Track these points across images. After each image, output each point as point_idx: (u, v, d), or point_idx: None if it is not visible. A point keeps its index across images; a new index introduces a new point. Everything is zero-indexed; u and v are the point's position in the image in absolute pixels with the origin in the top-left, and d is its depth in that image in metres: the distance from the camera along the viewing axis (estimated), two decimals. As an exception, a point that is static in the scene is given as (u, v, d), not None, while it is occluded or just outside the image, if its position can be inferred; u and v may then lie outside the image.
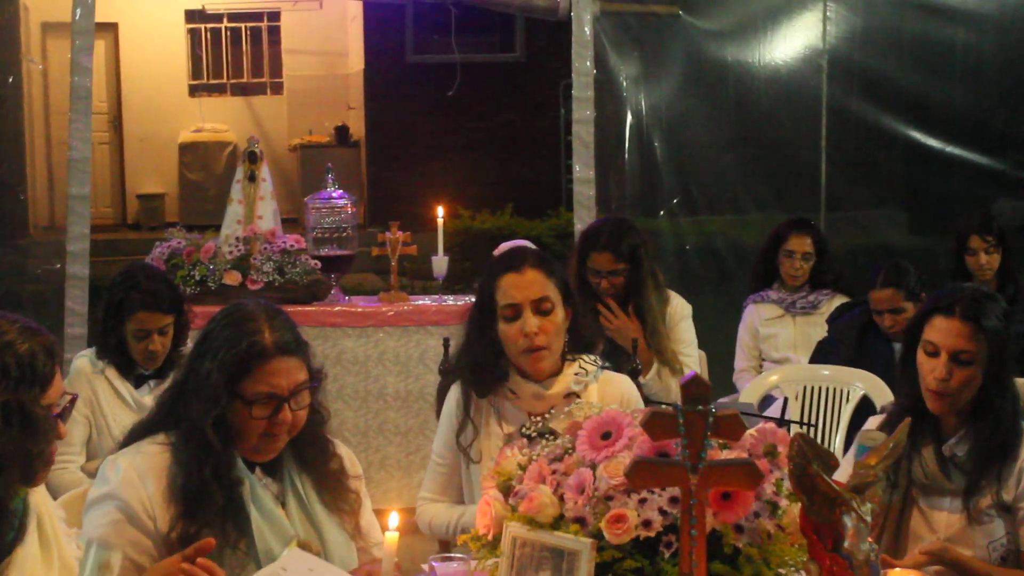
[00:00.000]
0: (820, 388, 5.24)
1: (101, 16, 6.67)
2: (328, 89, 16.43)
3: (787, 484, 2.47)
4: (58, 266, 6.50)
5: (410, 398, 6.00)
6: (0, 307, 2.93)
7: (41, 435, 2.44)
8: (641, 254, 4.92)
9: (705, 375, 5.44)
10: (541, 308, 3.40)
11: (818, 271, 5.98)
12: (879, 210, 8.61)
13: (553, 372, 3.47)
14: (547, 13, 6.95)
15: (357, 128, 15.95)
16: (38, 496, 2.55)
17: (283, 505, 2.85)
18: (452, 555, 2.73)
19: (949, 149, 7.68)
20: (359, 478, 3.05)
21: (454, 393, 3.57)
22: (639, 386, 4.11)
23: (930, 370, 3.15)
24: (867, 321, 5.35)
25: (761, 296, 6.05)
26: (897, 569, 2.86)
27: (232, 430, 2.76)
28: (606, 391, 3.50)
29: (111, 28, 15.70)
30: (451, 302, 6.04)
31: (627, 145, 7.64)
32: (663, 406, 2.41)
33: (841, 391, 5.18)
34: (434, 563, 2.66)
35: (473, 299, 3.63)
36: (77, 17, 6.33)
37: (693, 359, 5.03)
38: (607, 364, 3.58)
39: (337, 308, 5.99)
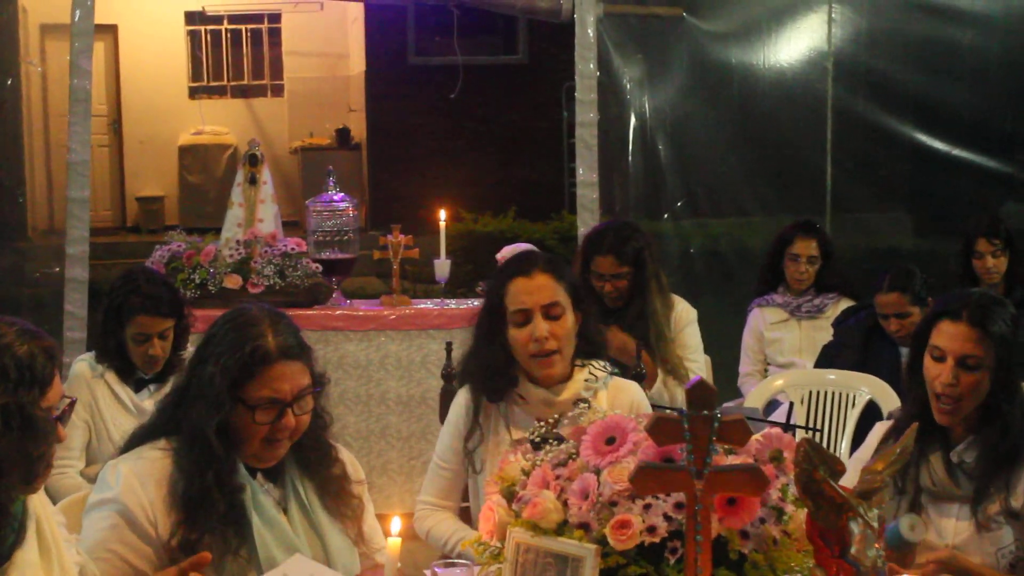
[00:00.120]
0: (826, 393, 5.23)
1: (100, 18, 6.66)
2: (329, 91, 16.43)
3: (793, 490, 2.47)
4: (57, 269, 6.48)
5: (412, 402, 5.98)
6: (-1, 311, 2.92)
7: (41, 438, 2.43)
8: (645, 257, 4.91)
9: (710, 380, 5.41)
10: (551, 313, 3.40)
11: (823, 275, 5.96)
12: (885, 213, 8.61)
13: (563, 378, 3.46)
14: (550, 15, 6.94)
15: (358, 130, 15.94)
16: (37, 501, 2.53)
17: (285, 511, 2.85)
18: (455, 561, 2.73)
19: (955, 152, 7.68)
20: (361, 483, 3.05)
21: (462, 397, 3.55)
22: (644, 393, 4.09)
23: (936, 375, 3.13)
24: (873, 325, 5.33)
25: (766, 300, 6.04)
26: (905, 576, 2.84)
27: (234, 435, 2.76)
28: (616, 398, 3.49)
29: (110, 30, 15.69)
30: (453, 306, 6.02)
31: (631, 148, 7.63)
32: (668, 411, 2.40)
33: (847, 396, 5.16)
34: (437, 569, 2.65)
35: (477, 302, 3.62)
36: (76, 19, 6.31)
37: (699, 364, 5.01)
38: (616, 370, 3.57)
39: (338, 312, 5.97)
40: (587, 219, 6.65)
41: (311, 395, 2.83)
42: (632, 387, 3.61)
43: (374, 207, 15.04)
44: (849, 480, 2.44)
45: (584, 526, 2.48)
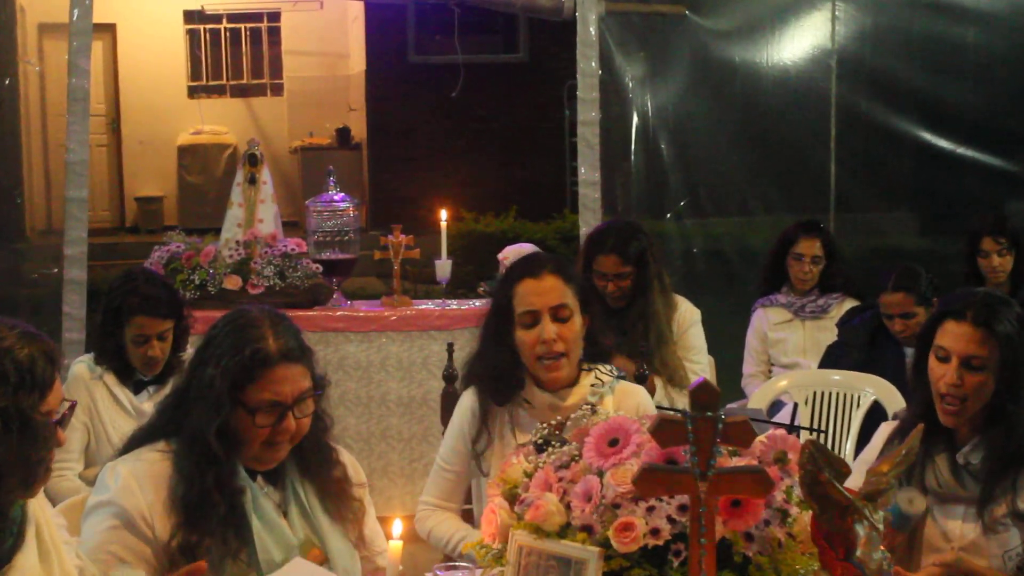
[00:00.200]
0: (830, 393, 5.22)
1: (99, 17, 6.65)
2: (329, 90, 16.44)
3: (798, 491, 2.46)
4: (55, 270, 6.47)
5: (413, 404, 5.96)
6: (-3, 313, 2.91)
7: (41, 442, 2.42)
8: (648, 257, 4.91)
9: (714, 381, 5.39)
10: (560, 315, 3.39)
11: (828, 274, 5.95)
12: (889, 212, 8.60)
13: (569, 382, 3.46)
14: (551, 13, 6.93)
15: (358, 130, 15.95)
16: (37, 504, 2.53)
17: (285, 514, 2.85)
18: (456, 563, 2.72)
19: (960, 150, 7.66)
20: (363, 486, 3.05)
21: (467, 400, 3.54)
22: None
23: (941, 376, 3.11)
24: (878, 325, 5.32)
25: (770, 300, 6.02)
26: (910, 579, 2.83)
27: (234, 438, 2.75)
28: (622, 402, 3.49)
29: (109, 29, 15.69)
30: (454, 306, 6.00)
31: (633, 147, 7.62)
32: (672, 412, 2.38)
33: (852, 396, 5.15)
34: (438, 572, 2.65)
35: (478, 303, 3.61)
36: (74, 18, 6.29)
37: (702, 366, 5.00)
38: (623, 374, 3.56)
39: (339, 312, 5.95)
40: (589, 219, 6.65)
41: (312, 398, 2.82)
42: (638, 391, 3.60)
43: (374, 207, 15.04)
44: (854, 482, 2.43)
45: (587, 529, 2.47)
